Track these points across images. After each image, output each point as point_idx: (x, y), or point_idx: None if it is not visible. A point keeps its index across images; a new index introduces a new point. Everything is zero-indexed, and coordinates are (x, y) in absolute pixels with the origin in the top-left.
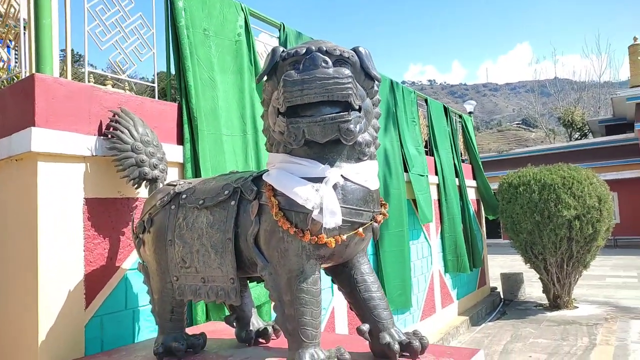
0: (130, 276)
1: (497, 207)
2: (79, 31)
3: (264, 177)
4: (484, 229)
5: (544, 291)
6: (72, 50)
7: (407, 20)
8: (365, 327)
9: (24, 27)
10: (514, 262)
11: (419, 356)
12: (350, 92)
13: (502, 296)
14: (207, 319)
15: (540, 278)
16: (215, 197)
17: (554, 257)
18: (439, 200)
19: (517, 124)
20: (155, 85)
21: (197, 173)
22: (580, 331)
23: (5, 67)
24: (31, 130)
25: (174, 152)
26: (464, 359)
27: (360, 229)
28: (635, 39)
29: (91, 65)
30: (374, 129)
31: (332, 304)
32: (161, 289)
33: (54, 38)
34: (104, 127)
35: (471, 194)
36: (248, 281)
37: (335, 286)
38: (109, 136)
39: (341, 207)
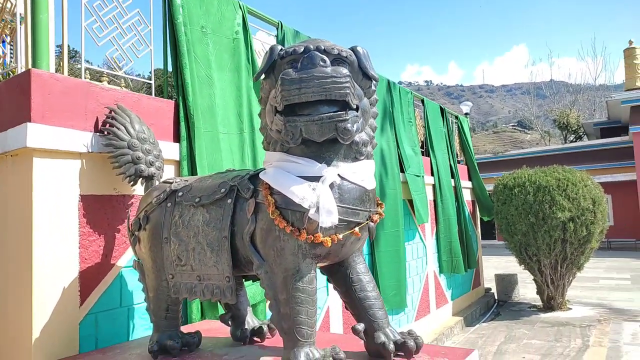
0: (126, 274)
1: (492, 209)
2: (76, 27)
3: (260, 176)
4: (479, 230)
5: (538, 292)
6: (69, 46)
7: (405, 21)
8: (361, 326)
9: (20, 21)
10: (509, 264)
11: (414, 356)
12: (347, 91)
13: (496, 297)
14: (202, 317)
15: (534, 279)
16: (212, 195)
17: (548, 258)
18: (435, 201)
19: (512, 125)
20: (152, 82)
21: (193, 171)
22: (573, 332)
23: (1, 62)
24: (27, 125)
25: (171, 150)
26: (458, 359)
27: (357, 229)
28: (630, 42)
29: (87, 61)
30: (371, 128)
31: (327, 303)
32: (156, 286)
33: (51, 33)
34: (100, 124)
35: (466, 195)
36: (244, 279)
37: (331, 285)
38: (105, 133)
39: (338, 206)
